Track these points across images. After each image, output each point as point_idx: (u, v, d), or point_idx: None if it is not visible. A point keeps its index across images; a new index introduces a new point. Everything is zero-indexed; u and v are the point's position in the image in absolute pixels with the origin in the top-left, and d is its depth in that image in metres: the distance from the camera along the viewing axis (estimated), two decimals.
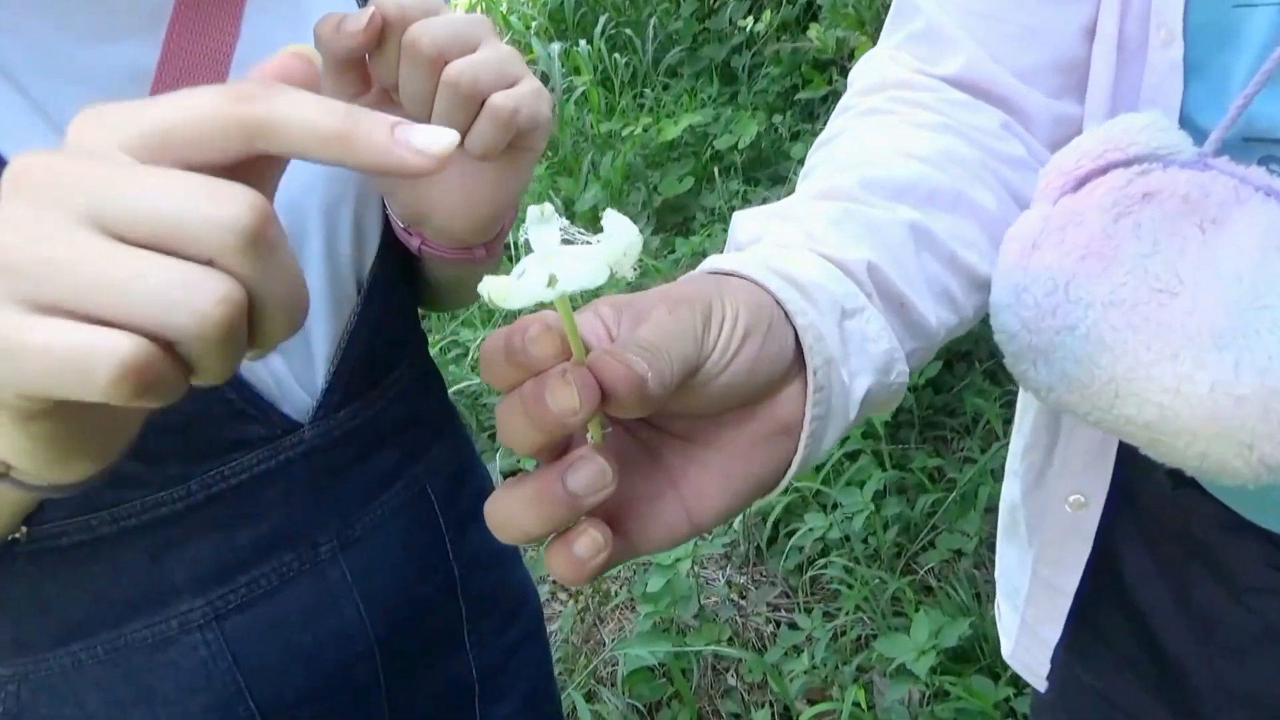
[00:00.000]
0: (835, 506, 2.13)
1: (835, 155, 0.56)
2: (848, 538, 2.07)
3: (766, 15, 3.46)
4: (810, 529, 2.07)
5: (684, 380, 0.37)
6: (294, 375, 0.66)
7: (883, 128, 0.57)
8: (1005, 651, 0.77)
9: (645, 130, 3.43)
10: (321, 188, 0.65)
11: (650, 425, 0.42)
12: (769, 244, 0.47)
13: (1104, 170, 0.49)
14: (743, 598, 2.12)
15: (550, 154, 3.57)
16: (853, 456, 2.24)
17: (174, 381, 0.32)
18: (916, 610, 1.84)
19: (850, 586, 1.98)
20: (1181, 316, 0.44)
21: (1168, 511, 0.65)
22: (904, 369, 0.46)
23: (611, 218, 0.36)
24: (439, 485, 0.77)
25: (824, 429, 0.42)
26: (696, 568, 2.11)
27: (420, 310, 0.81)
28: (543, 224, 0.35)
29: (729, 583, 2.16)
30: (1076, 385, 0.48)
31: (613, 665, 1.97)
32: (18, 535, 0.60)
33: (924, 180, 0.52)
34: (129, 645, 0.64)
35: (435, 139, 0.33)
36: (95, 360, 0.30)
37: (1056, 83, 0.59)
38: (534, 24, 4.33)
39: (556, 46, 3.92)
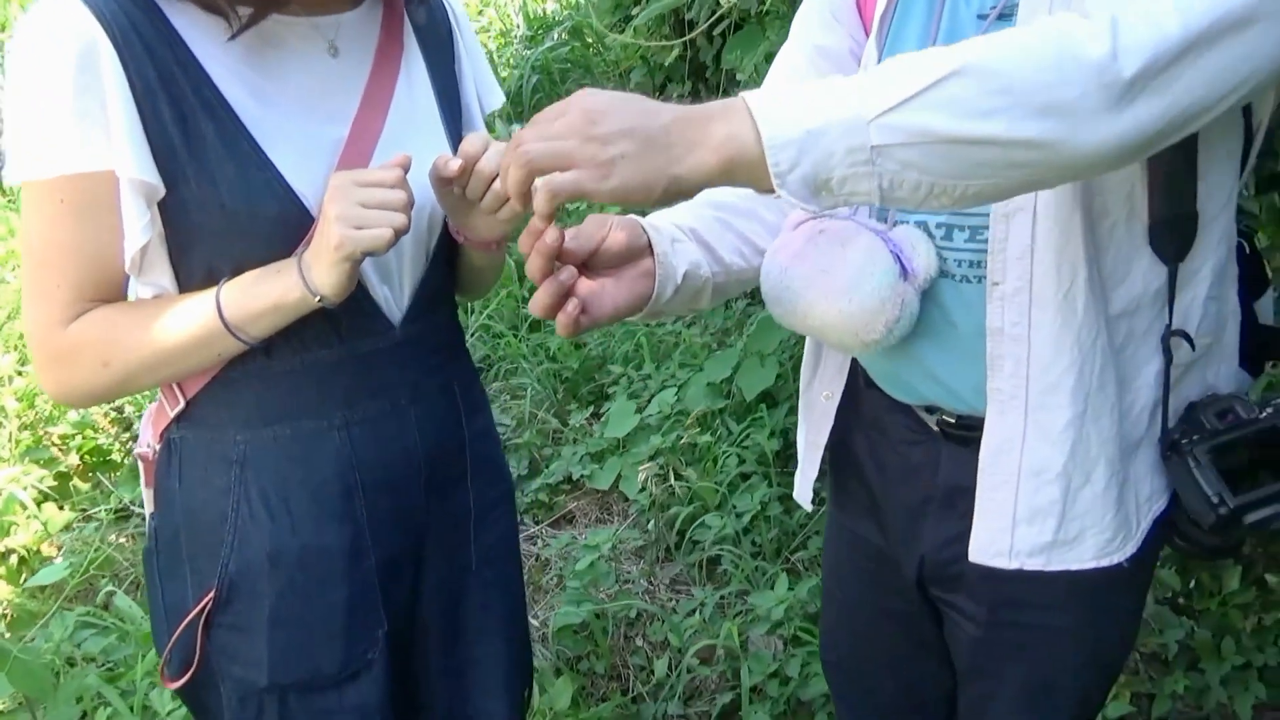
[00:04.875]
0: (732, 510, 2.65)
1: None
2: (739, 535, 2.57)
3: None
4: (709, 526, 2.58)
5: (595, 246, 0.97)
6: (393, 298, 1.16)
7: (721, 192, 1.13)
8: (796, 494, 1.28)
9: (590, 208, 3.95)
10: (429, 202, 1.15)
11: (591, 272, 0.98)
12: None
13: (810, 219, 1.04)
14: (652, 582, 2.61)
15: None
16: (746, 476, 2.76)
17: (389, 244, 0.98)
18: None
19: (738, 567, 2.49)
20: (830, 280, 0.98)
21: (862, 401, 1.19)
22: (708, 271, 1.04)
23: None
24: (459, 385, 1.26)
25: (666, 284, 1.00)
26: (614, 562, 2.60)
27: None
28: None
29: (642, 571, 2.65)
30: (790, 311, 1.01)
31: (544, 629, 2.44)
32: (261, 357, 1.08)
33: (739, 202, 1.10)
34: (304, 433, 1.11)
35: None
36: (386, 234, 0.97)
37: None
38: None
39: (517, 128, 4.42)
